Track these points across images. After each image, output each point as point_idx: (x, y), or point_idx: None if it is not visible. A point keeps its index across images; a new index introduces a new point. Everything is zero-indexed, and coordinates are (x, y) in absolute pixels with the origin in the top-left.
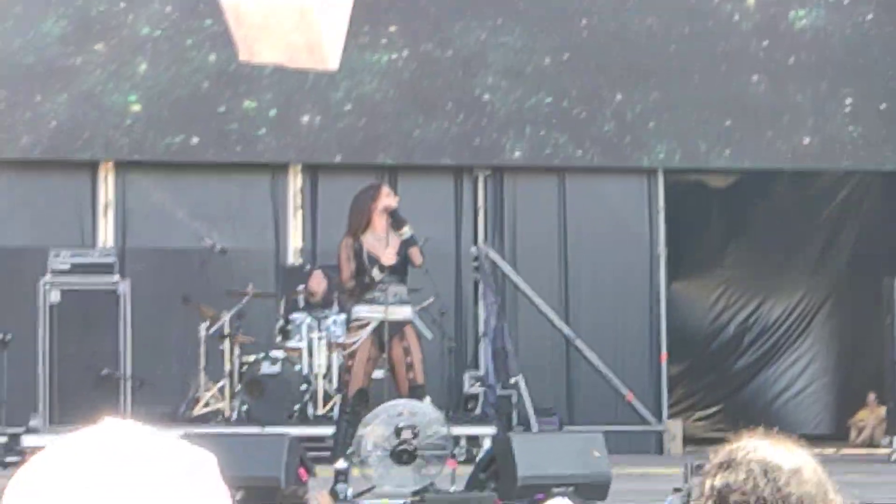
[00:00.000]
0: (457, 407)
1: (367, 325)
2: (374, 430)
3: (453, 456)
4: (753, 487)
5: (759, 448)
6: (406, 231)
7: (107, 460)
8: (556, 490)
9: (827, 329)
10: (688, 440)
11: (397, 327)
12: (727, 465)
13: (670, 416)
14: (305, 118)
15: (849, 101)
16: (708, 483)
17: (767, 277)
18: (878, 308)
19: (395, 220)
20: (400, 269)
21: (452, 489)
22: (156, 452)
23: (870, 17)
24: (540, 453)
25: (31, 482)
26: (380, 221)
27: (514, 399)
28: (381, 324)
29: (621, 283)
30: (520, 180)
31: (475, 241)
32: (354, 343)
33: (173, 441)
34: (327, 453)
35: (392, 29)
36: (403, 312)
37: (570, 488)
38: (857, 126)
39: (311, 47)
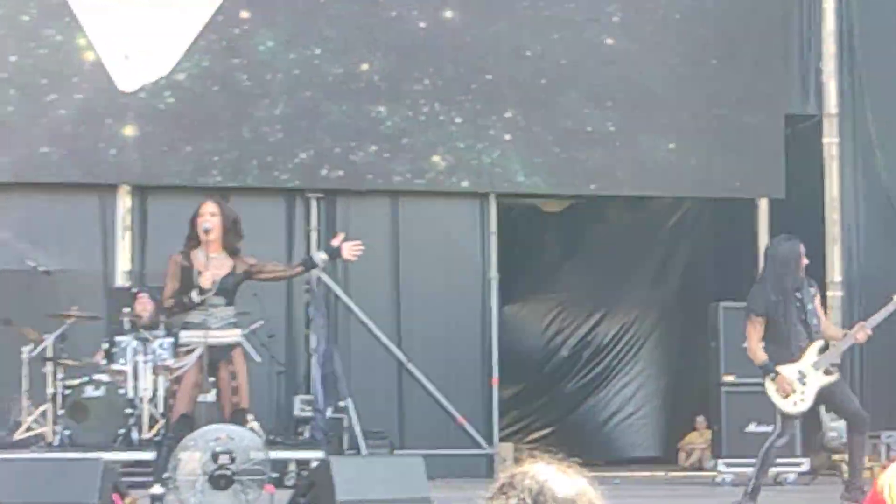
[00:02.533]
0: (287, 431)
1: (193, 350)
2: (192, 455)
3: (271, 481)
4: None
5: (538, 474)
6: (321, 259)
7: None
8: None
9: (657, 353)
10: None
11: (224, 351)
12: (505, 489)
13: (502, 440)
14: (137, 137)
15: (675, 129)
16: None
17: (600, 301)
18: (705, 332)
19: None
20: (229, 292)
21: None
22: None
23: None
24: (359, 477)
25: None
26: (209, 240)
27: (346, 423)
28: (208, 348)
29: (454, 307)
30: (352, 203)
31: None
32: (181, 368)
33: None
34: (152, 479)
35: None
36: (230, 336)
37: None
38: (686, 153)
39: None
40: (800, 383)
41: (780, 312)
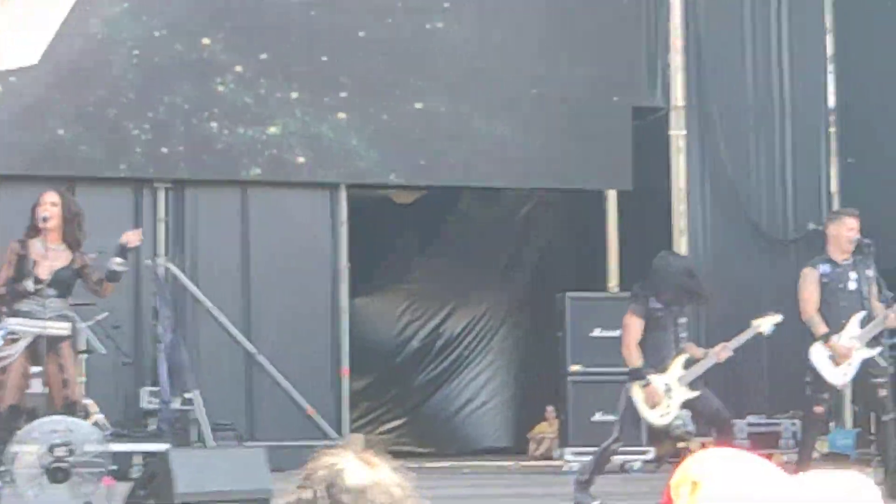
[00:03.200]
0: (134, 423)
1: (19, 339)
2: (30, 448)
3: (116, 473)
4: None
5: (333, 464)
6: (117, 265)
7: None
8: None
9: (508, 343)
10: None
11: (53, 343)
12: (302, 482)
13: (354, 431)
14: None
15: (525, 121)
16: (293, 497)
17: (452, 292)
18: (554, 323)
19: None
20: (64, 284)
21: None
22: None
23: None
24: (200, 469)
25: None
26: (48, 230)
27: (193, 415)
28: (36, 339)
29: (304, 298)
30: (201, 193)
31: (155, 255)
32: (7, 357)
33: None
34: None
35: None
36: (60, 328)
37: None
38: (535, 145)
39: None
40: (666, 396)
41: (657, 321)
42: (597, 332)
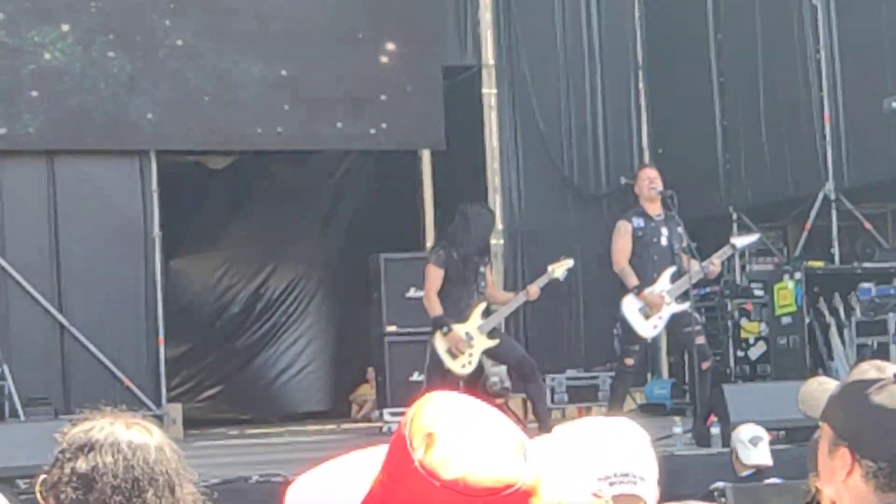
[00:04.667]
0: None
1: None
2: None
3: None
4: (126, 468)
5: (116, 429)
6: None
7: None
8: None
9: (326, 306)
10: (190, 423)
11: None
12: (88, 447)
13: (171, 400)
14: None
15: (334, 79)
16: (67, 468)
17: (269, 256)
18: (370, 284)
19: None
20: None
21: None
22: None
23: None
24: (10, 443)
25: None
26: None
27: (6, 390)
28: None
29: (115, 267)
30: (7, 163)
31: None
32: None
33: None
34: None
35: None
36: None
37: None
38: (347, 105)
39: None
40: (468, 345)
41: (457, 272)
42: (412, 293)
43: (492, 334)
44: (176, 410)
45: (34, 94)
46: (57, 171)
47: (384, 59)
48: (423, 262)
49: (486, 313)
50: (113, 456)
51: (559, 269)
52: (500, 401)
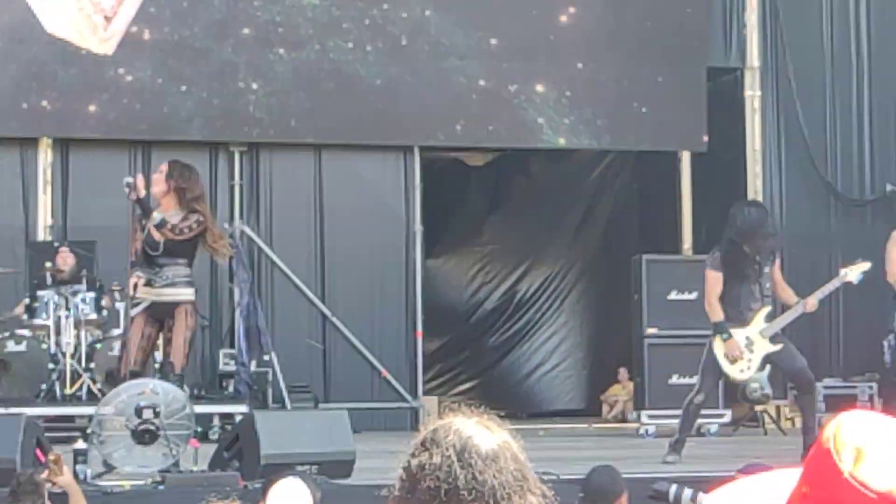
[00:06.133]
0: (211, 385)
1: (139, 304)
2: (115, 410)
3: (196, 435)
4: (448, 474)
5: (461, 429)
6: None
7: None
8: (299, 468)
9: (580, 305)
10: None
11: (169, 309)
12: (427, 444)
13: (427, 393)
14: (55, 92)
15: (597, 83)
16: (406, 462)
17: (524, 254)
18: (628, 285)
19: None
20: (179, 251)
21: (195, 469)
22: None
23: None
24: (284, 431)
25: None
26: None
27: (270, 377)
28: (153, 304)
29: (378, 260)
30: (276, 156)
31: (231, 218)
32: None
33: None
34: (77, 433)
35: None
36: (174, 294)
37: (314, 466)
38: (608, 106)
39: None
40: (748, 350)
41: (736, 274)
42: (673, 295)
43: (774, 339)
44: (431, 403)
45: (300, 92)
46: (324, 164)
47: (648, 60)
48: (686, 264)
49: (771, 317)
50: (442, 458)
51: (854, 273)
52: (759, 408)
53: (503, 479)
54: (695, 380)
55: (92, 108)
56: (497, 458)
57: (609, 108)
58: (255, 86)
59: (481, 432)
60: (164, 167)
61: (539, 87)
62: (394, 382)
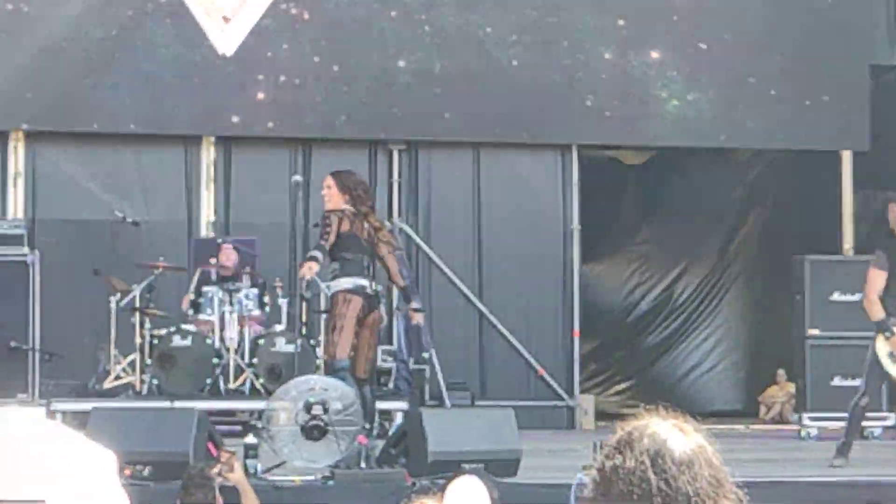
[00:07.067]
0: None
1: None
2: (285, 405)
3: (364, 431)
4: (641, 479)
5: (656, 433)
6: None
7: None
8: (466, 466)
9: (738, 306)
10: (600, 416)
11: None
12: (622, 447)
13: (583, 392)
14: (221, 91)
15: (759, 82)
16: (601, 463)
17: (680, 254)
18: (786, 285)
19: None
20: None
21: (363, 465)
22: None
23: None
24: (451, 429)
25: None
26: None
27: (427, 374)
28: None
29: (535, 259)
30: (434, 154)
31: (389, 216)
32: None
33: (74, 439)
34: (238, 427)
35: None
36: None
37: (481, 465)
38: (768, 105)
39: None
40: None
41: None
42: (836, 296)
43: None
44: (588, 402)
45: (458, 90)
46: (482, 163)
47: (810, 59)
48: (848, 265)
49: None
50: (636, 462)
51: None
52: None
53: (697, 485)
54: (858, 382)
55: (253, 105)
56: (691, 464)
57: (769, 107)
58: (413, 84)
59: (676, 436)
60: (330, 181)
61: (698, 88)
62: (550, 381)
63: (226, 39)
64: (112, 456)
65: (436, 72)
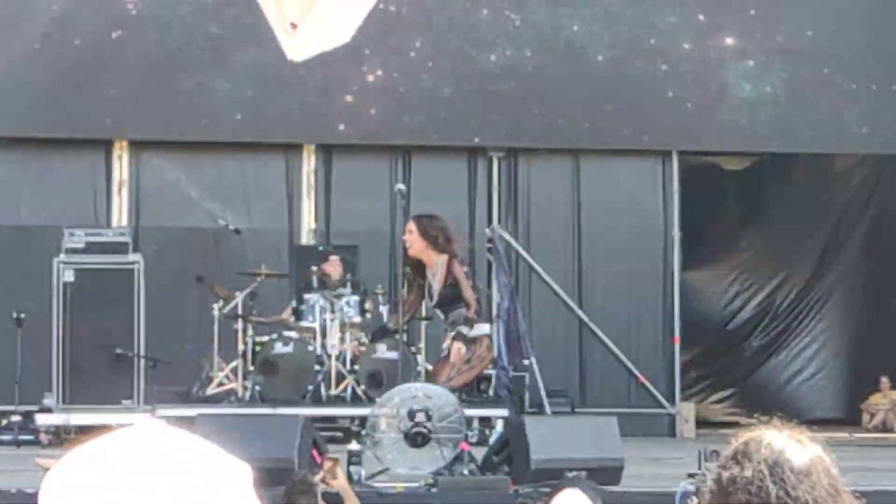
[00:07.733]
0: (470, 389)
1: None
2: (389, 413)
3: (466, 439)
4: (759, 489)
5: (773, 443)
6: None
7: (143, 466)
8: (569, 474)
9: (839, 312)
10: (701, 423)
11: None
12: (739, 457)
13: (684, 400)
14: (320, 98)
15: (853, 85)
16: (717, 474)
17: (781, 261)
18: (889, 292)
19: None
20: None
21: (466, 472)
22: (191, 461)
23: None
24: (553, 437)
25: (66, 481)
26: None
27: (527, 381)
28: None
29: (635, 266)
30: (534, 161)
31: (489, 223)
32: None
33: (210, 449)
34: (340, 434)
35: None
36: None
37: (584, 472)
38: (872, 112)
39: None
40: None
41: None
42: None
43: None
44: (689, 409)
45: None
46: (582, 169)
47: None
48: None
49: None
50: (754, 472)
51: None
52: None
53: (816, 494)
54: None
55: (353, 112)
56: (810, 473)
57: (873, 112)
58: (511, 91)
59: (793, 446)
60: (412, 225)
61: (800, 92)
62: (651, 388)
63: (295, 46)
64: (248, 468)
65: (532, 77)
